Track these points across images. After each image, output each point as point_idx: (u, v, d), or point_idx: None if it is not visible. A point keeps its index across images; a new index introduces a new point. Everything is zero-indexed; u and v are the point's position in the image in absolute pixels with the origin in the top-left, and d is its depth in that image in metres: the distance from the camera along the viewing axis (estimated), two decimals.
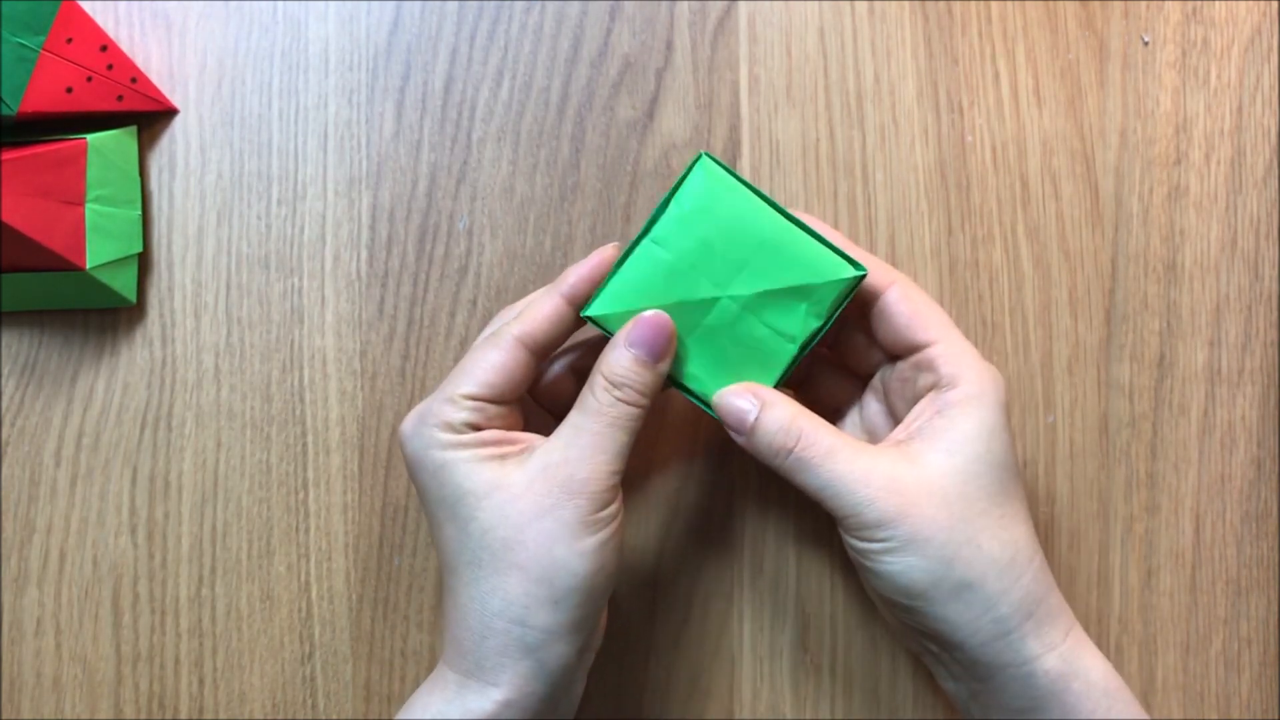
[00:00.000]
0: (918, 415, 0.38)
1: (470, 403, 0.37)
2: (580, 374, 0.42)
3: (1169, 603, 0.44)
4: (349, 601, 0.44)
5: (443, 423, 0.37)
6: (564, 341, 0.39)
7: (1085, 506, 0.44)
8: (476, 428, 0.37)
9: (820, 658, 0.44)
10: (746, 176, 0.45)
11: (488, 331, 0.40)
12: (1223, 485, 0.44)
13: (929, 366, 0.37)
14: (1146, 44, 0.45)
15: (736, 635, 0.44)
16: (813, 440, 0.36)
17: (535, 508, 0.35)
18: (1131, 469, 0.44)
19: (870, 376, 0.41)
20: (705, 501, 0.45)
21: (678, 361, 0.38)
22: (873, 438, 0.41)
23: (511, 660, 0.35)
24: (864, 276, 0.38)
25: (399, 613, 0.44)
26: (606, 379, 0.36)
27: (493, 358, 0.37)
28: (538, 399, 0.41)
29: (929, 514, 0.35)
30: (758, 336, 0.38)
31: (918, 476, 0.36)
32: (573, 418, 0.37)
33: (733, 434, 0.38)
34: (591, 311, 0.38)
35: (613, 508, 0.36)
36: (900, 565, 0.35)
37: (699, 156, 0.38)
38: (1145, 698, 0.44)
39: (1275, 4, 0.46)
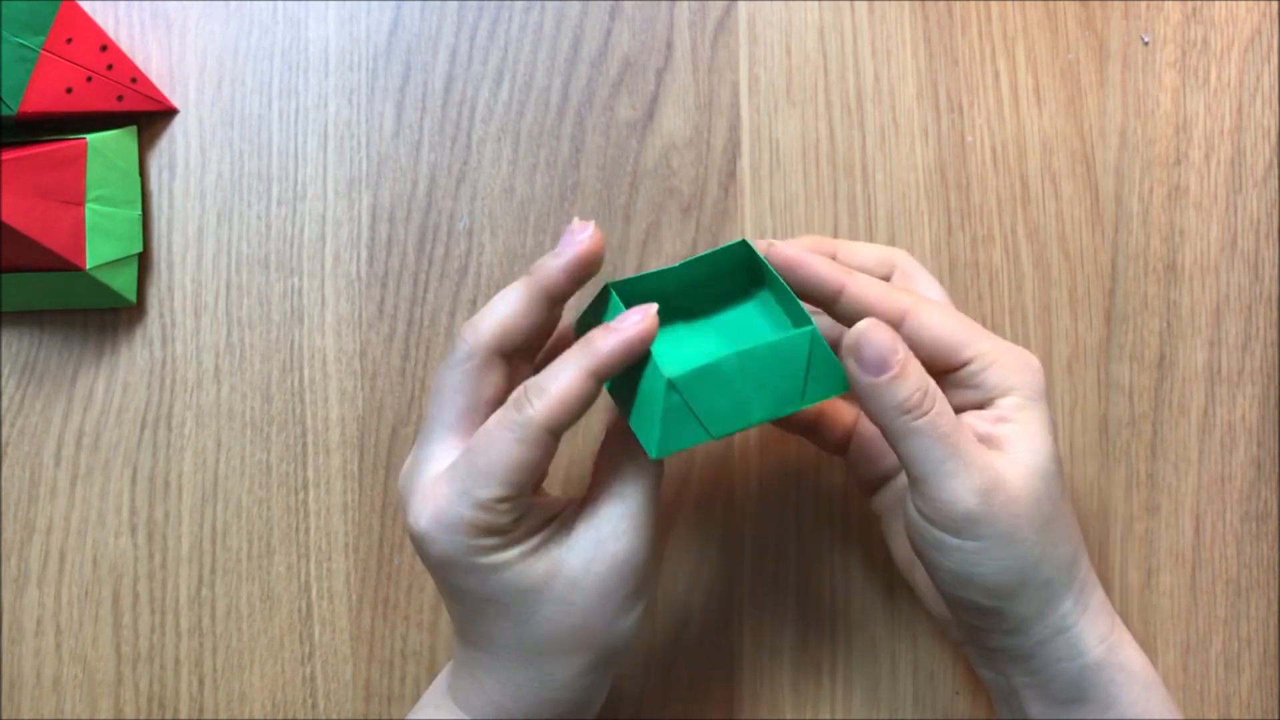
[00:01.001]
0: (977, 426, 0.36)
1: (503, 506, 0.33)
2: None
3: (1169, 603, 0.44)
4: (349, 601, 0.44)
5: (479, 529, 0.33)
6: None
7: (1085, 506, 0.44)
8: (515, 523, 0.34)
9: (820, 658, 0.44)
10: (746, 176, 0.45)
11: (462, 350, 0.35)
12: (1223, 485, 0.44)
13: (972, 384, 0.36)
14: (1146, 44, 0.45)
15: (736, 635, 0.44)
16: (944, 410, 0.34)
17: (600, 591, 0.34)
18: (1131, 469, 0.44)
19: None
20: (706, 502, 0.45)
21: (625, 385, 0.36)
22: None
23: (562, 715, 0.36)
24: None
25: (399, 613, 0.44)
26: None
27: (521, 454, 0.33)
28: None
29: (1025, 516, 0.35)
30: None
31: (1016, 476, 0.35)
32: (611, 483, 0.35)
33: (859, 371, 0.34)
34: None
35: (658, 566, 0.37)
36: (991, 565, 0.35)
37: (741, 242, 0.37)
38: None
39: (1275, 4, 0.46)
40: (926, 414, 0.34)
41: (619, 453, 0.36)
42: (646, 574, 0.35)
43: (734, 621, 0.44)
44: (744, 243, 0.37)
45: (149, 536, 0.45)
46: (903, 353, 0.34)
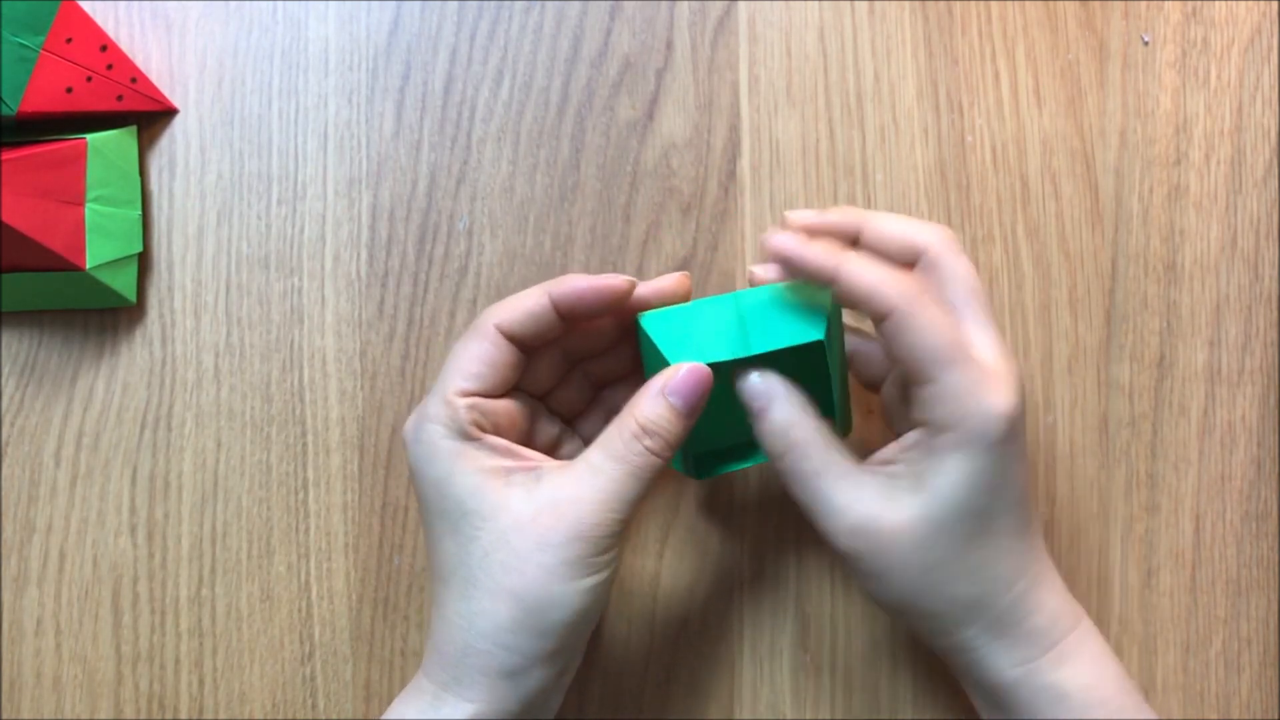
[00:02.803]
0: (907, 446, 0.36)
1: (465, 400, 0.36)
2: (592, 383, 0.42)
3: (1169, 603, 0.44)
4: (349, 601, 0.44)
5: (444, 425, 0.36)
6: (547, 339, 0.38)
7: (1085, 506, 0.44)
8: (480, 428, 0.36)
9: (820, 658, 0.44)
10: (746, 176, 0.45)
11: (475, 323, 0.38)
12: (1223, 485, 0.44)
13: (924, 403, 0.35)
14: (1146, 44, 0.45)
15: (736, 635, 0.44)
16: (803, 455, 0.36)
17: (538, 541, 0.35)
18: (1131, 469, 0.44)
19: (879, 387, 0.41)
20: (706, 502, 0.45)
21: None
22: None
23: (489, 680, 0.35)
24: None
25: (399, 613, 0.44)
26: (640, 424, 0.36)
27: (474, 348, 0.37)
28: (551, 406, 0.41)
29: (897, 560, 0.35)
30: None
31: (895, 521, 0.35)
32: (593, 456, 0.36)
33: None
34: (646, 320, 0.37)
35: (613, 551, 0.36)
36: (870, 590, 0.37)
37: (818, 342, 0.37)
38: (1145, 697, 0.44)
39: (1275, 4, 0.46)
40: (788, 465, 0.36)
41: (612, 433, 0.36)
42: (595, 551, 0.35)
43: (734, 621, 0.44)
44: (820, 343, 0.37)
45: (149, 536, 0.45)
46: (762, 402, 0.37)
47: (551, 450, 0.41)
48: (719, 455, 0.42)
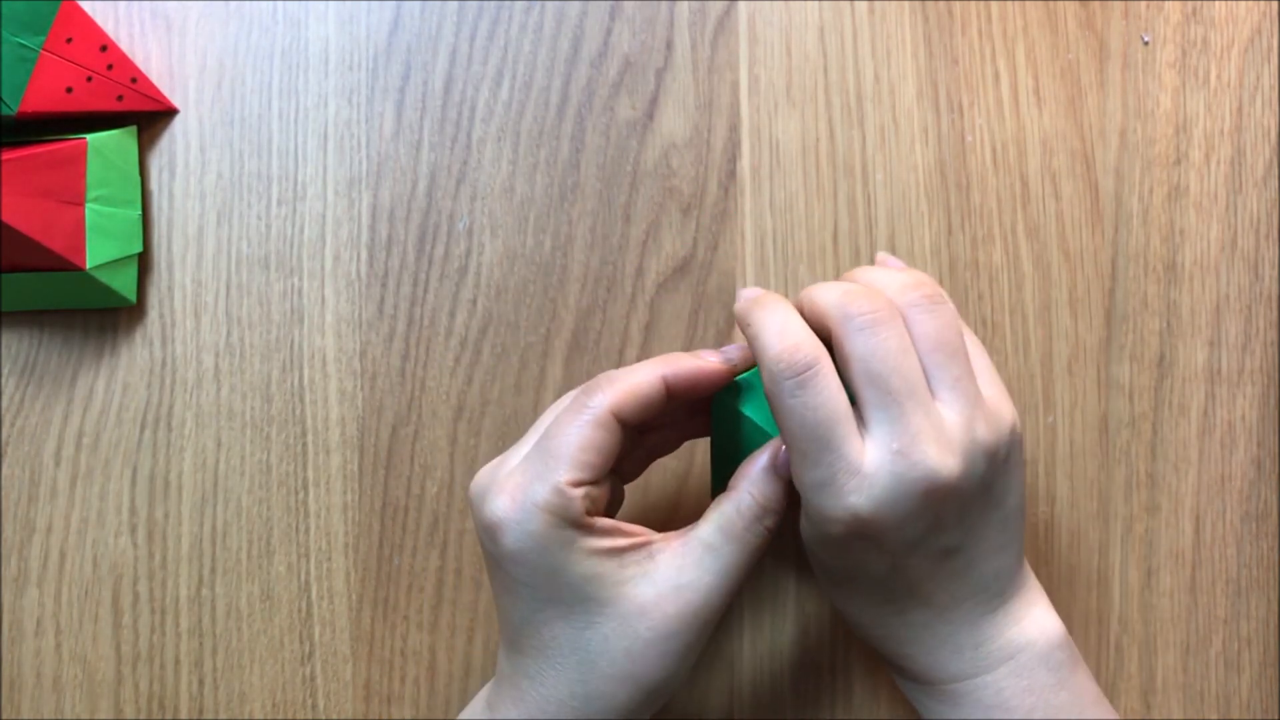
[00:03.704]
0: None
1: (578, 490, 0.34)
2: (650, 454, 0.41)
3: (1169, 603, 0.44)
4: (349, 601, 0.44)
5: (556, 514, 0.34)
6: (651, 420, 0.37)
7: (1085, 506, 0.44)
8: (590, 514, 0.35)
9: (820, 658, 0.44)
10: (746, 176, 0.45)
11: (568, 398, 0.37)
12: (1223, 485, 0.44)
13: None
14: (1146, 44, 0.45)
15: (736, 635, 0.44)
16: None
17: (664, 629, 0.34)
18: (1131, 469, 0.44)
19: None
20: (706, 501, 0.45)
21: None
22: None
23: None
24: None
25: (399, 613, 0.44)
26: (762, 505, 0.35)
27: (590, 436, 0.34)
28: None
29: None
30: None
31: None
32: (708, 535, 0.35)
33: None
34: (746, 407, 0.37)
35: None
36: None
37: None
38: (1145, 697, 0.44)
39: (1275, 4, 0.46)
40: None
41: (730, 513, 0.36)
42: (710, 630, 0.35)
43: (734, 621, 0.44)
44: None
45: (149, 536, 0.45)
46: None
47: (616, 510, 0.40)
48: None
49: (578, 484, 0.34)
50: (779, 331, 0.34)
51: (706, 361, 0.37)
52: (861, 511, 0.33)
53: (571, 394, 0.37)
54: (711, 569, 0.35)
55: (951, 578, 0.36)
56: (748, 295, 0.37)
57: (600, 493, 0.35)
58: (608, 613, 0.34)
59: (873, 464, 0.33)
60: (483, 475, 0.36)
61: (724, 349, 0.38)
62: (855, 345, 0.34)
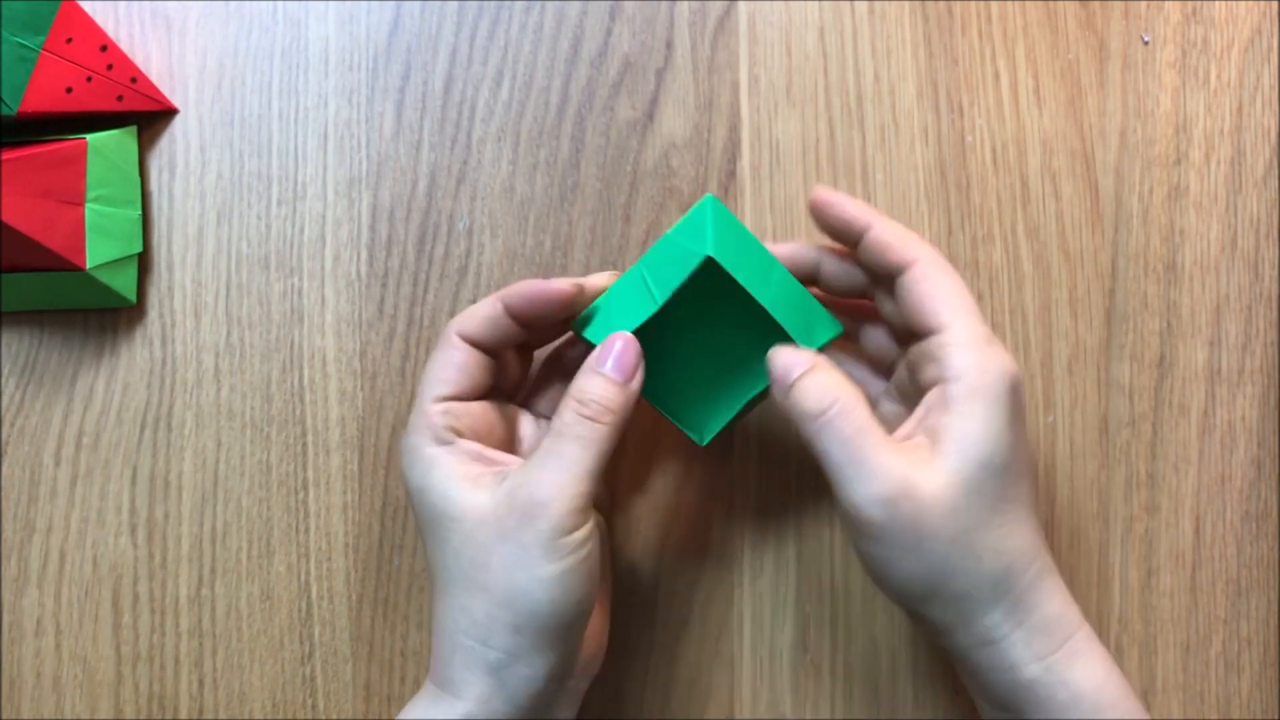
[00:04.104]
0: (926, 411, 0.37)
1: (438, 405, 0.38)
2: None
3: (1169, 603, 0.44)
4: (349, 601, 0.44)
5: (421, 433, 0.37)
6: (509, 343, 0.39)
7: (1085, 506, 0.44)
8: (456, 431, 0.37)
9: (820, 658, 0.44)
10: (746, 176, 0.45)
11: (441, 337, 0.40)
12: (1223, 485, 0.44)
13: (936, 356, 0.36)
14: (1146, 44, 0.45)
15: (736, 635, 0.44)
16: (846, 411, 0.35)
17: (498, 531, 0.35)
18: (1131, 469, 0.44)
19: (892, 372, 0.41)
20: (705, 502, 0.45)
21: (656, 382, 0.39)
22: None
23: (474, 676, 0.35)
24: (836, 336, 0.40)
25: (399, 613, 0.44)
26: (575, 399, 0.37)
27: (441, 357, 0.38)
28: (536, 412, 0.42)
29: (932, 527, 0.34)
30: (734, 359, 0.40)
31: (932, 483, 0.35)
32: (544, 442, 0.37)
33: (774, 389, 0.37)
34: (575, 325, 0.39)
35: (580, 533, 0.35)
36: (899, 573, 0.35)
37: (705, 198, 0.39)
38: (1145, 697, 0.44)
39: (1275, 4, 0.46)
40: (829, 420, 0.35)
41: (555, 417, 0.37)
42: (556, 532, 0.35)
43: (734, 621, 0.44)
44: (707, 197, 0.39)
45: (149, 536, 0.45)
46: (802, 369, 0.36)
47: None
48: (710, 406, 0.41)
49: (438, 399, 0.38)
50: (902, 227, 0.39)
51: (547, 284, 0.38)
52: (1019, 370, 0.36)
53: None
54: (543, 466, 0.36)
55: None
56: (836, 195, 0.39)
57: (474, 412, 0.38)
58: (455, 527, 0.36)
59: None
60: None
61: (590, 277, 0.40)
62: (954, 277, 0.38)
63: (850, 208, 0.39)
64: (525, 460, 0.37)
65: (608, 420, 0.36)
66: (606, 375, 0.37)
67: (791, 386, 0.36)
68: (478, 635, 0.35)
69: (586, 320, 0.39)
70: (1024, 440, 0.37)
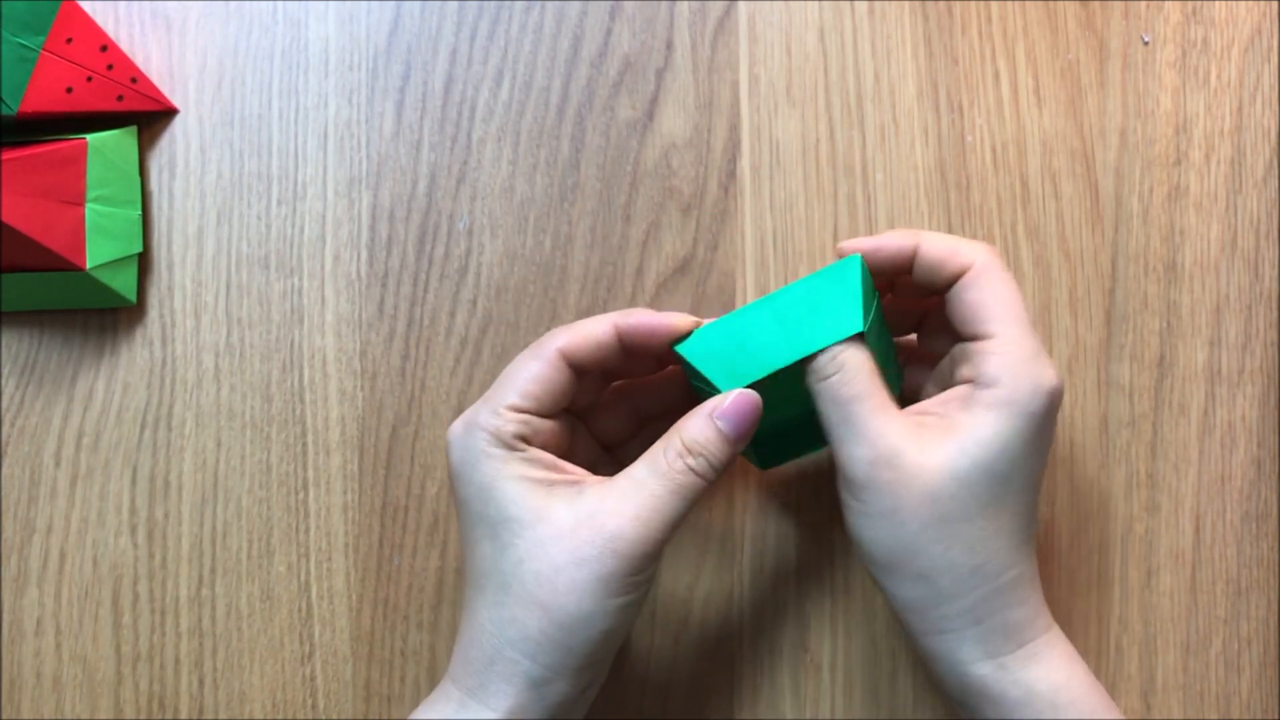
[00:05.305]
0: (949, 399, 0.37)
1: (515, 414, 0.36)
2: (638, 416, 0.42)
3: (1169, 603, 0.44)
4: (349, 601, 0.44)
5: (491, 434, 0.36)
6: (604, 368, 0.39)
7: (1085, 506, 0.44)
8: (526, 441, 0.36)
9: (820, 658, 0.44)
10: (746, 176, 0.45)
11: (537, 343, 0.39)
12: (1223, 485, 0.44)
13: (975, 360, 0.36)
14: (1146, 44, 0.46)
15: (736, 635, 0.44)
16: (850, 379, 0.36)
17: (574, 555, 0.34)
18: (1131, 469, 0.44)
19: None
20: (706, 501, 0.45)
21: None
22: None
23: (515, 689, 0.35)
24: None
25: (399, 613, 0.44)
26: (685, 444, 0.36)
27: (534, 368, 0.37)
28: (592, 430, 0.41)
29: (910, 502, 0.35)
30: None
31: (919, 462, 0.35)
32: (637, 471, 0.36)
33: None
34: (684, 348, 0.37)
35: (649, 572, 0.36)
36: (869, 534, 0.36)
37: (854, 257, 0.37)
38: (1145, 698, 0.44)
39: (1275, 4, 0.46)
40: (829, 379, 0.36)
41: (656, 452, 0.36)
42: (630, 570, 0.35)
43: (734, 621, 0.44)
44: (856, 257, 0.38)
45: (149, 536, 0.45)
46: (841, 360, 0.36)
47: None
48: (782, 444, 0.42)
49: (517, 409, 0.36)
50: (952, 237, 0.39)
51: (665, 318, 0.37)
52: (1061, 386, 0.36)
53: None
54: (634, 501, 0.35)
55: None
56: (866, 240, 0.39)
57: (547, 427, 0.37)
58: (525, 535, 0.35)
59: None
60: None
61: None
62: (1007, 281, 0.38)
63: (886, 240, 0.38)
64: (610, 481, 0.36)
65: (710, 477, 0.36)
66: (723, 431, 0.36)
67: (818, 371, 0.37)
68: (526, 650, 0.35)
69: (698, 345, 0.38)
70: (1040, 455, 0.36)
